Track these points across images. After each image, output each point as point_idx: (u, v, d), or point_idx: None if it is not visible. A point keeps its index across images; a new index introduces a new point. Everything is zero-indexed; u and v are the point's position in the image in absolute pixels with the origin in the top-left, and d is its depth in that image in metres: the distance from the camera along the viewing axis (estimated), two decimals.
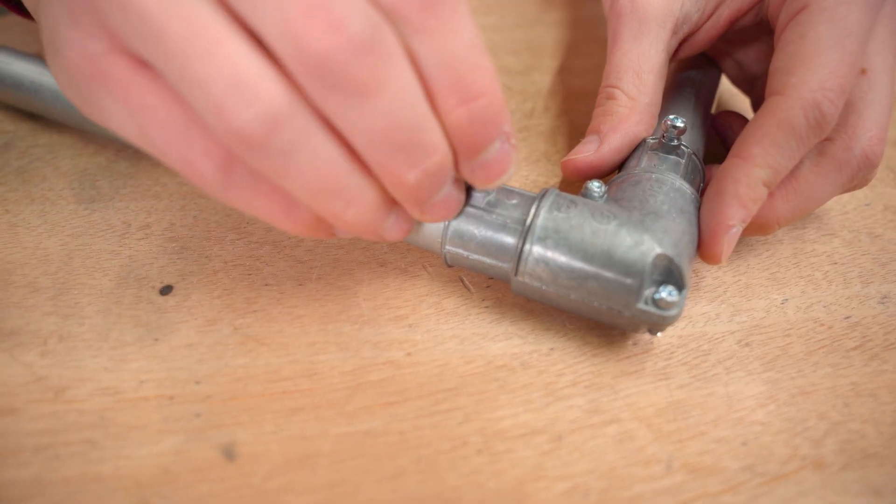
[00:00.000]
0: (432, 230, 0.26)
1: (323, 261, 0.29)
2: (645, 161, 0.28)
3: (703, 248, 0.26)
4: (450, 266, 0.27)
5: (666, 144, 0.28)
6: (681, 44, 0.32)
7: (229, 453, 0.23)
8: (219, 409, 0.24)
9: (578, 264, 0.24)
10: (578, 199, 0.26)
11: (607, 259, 0.24)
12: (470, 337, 0.26)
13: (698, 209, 0.27)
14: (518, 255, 0.25)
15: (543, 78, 0.40)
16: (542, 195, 0.25)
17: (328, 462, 0.22)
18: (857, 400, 0.25)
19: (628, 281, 0.24)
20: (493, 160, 0.22)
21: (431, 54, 0.19)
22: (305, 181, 0.20)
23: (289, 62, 0.18)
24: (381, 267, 0.29)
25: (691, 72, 0.35)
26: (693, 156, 0.29)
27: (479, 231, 0.25)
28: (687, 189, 0.27)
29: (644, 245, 0.24)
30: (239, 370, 0.25)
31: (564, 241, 0.24)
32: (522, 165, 0.34)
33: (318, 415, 0.24)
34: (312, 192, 0.21)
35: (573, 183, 0.32)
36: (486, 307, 0.27)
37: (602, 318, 0.25)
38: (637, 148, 0.30)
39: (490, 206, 0.25)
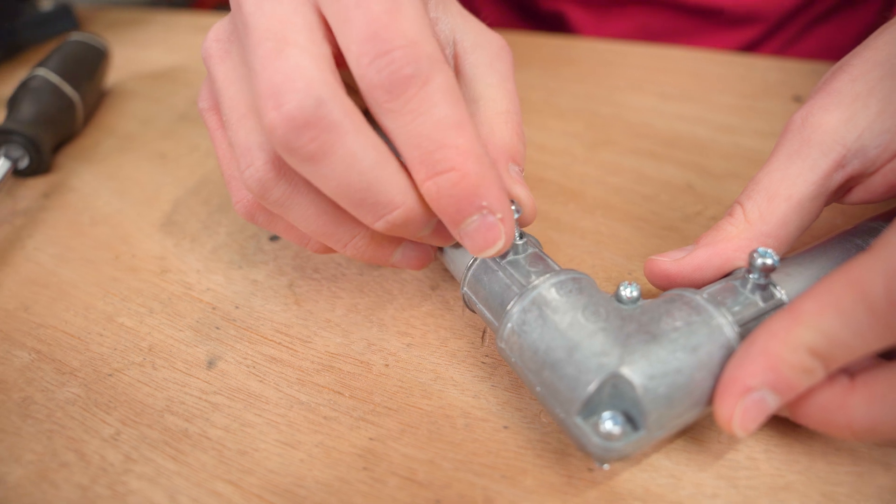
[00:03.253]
0: (460, 271, 0.27)
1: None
2: (718, 287, 0.24)
3: (714, 404, 0.21)
4: (469, 309, 0.27)
5: (750, 280, 0.24)
6: (854, 184, 0.26)
7: (211, 363, 0.27)
8: (231, 331, 0.29)
9: (542, 348, 0.22)
10: (593, 291, 0.23)
11: (568, 355, 0.21)
12: (446, 379, 0.26)
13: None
14: (503, 319, 0.24)
15: (737, 187, 0.35)
16: (558, 272, 0.24)
17: (259, 407, 0.25)
18: None
19: (576, 387, 0.21)
20: (474, 232, 0.23)
21: (399, 132, 0.22)
22: (304, 226, 0.26)
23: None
24: (430, 289, 0.30)
25: (882, 223, 0.27)
26: None
27: (489, 283, 0.25)
28: (726, 332, 0.22)
29: (608, 358, 0.21)
30: (267, 313, 0.30)
31: (541, 321, 0.23)
32: (635, 260, 0.31)
33: (285, 371, 0.27)
34: (312, 233, 0.26)
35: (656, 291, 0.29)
36: (483, 363, 0.27)
37: (552, 417, 0.23)
38: (730, 274, 0.25)
39: (510, 265, 0.25)
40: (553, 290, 0.23)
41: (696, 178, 0.36)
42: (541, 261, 0.25)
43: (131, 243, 0.34)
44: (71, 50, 0.43)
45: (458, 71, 0.28)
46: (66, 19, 0.54)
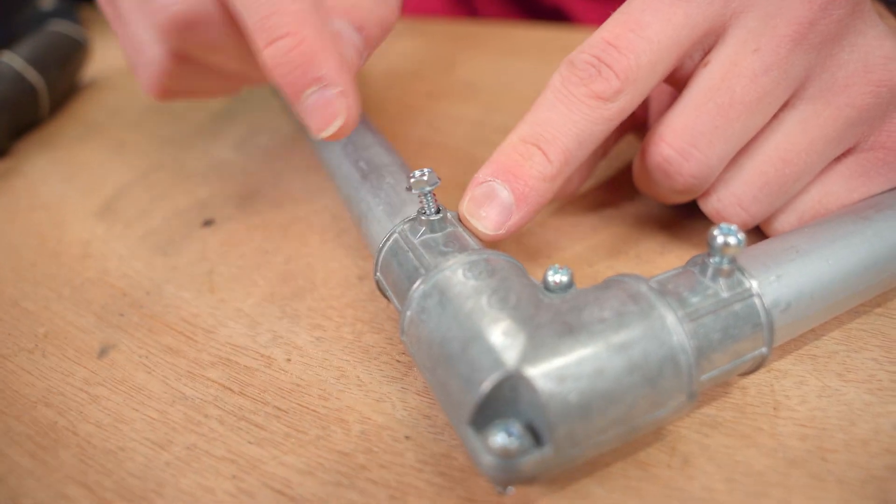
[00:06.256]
0: (375, 249, 0.23)
1: (322, 253, 0.28)
2: (671, 274, 0.20)
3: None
4: (386, 298, 0.23)
5: (710, 265, 0.19)
6: None
7: (103, 352, 0.25)
8: (135, 319, 0.26)
9: (438, 340, 0.18)
10: (509, 275, 0.19)
11: (462, 349, 0.17)
12: (351, 378, 0.22)
13: (679, 371, 0.17)
14: (404, 305, 0.20)
15: None
16: (472, 252, 0.20)
17: (140, 401, 0.22)
18: None
19: (468, 389, 0.17)
20: (312, 107, 0.21)
21: None
22: (216, 85, 0.28)
23: None
24: (357, 279, 0.27)
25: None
26: (769, 312, 0.19)
27: (398, 265, 0.22)
28: (670, 326, 0.17)
29: (507, 354, 0.17)
30: (176, 300, 0.27)
31: (440, 308, 0.19)
32: (600, 251, 0.27)
33: (178, 364, 0.24)
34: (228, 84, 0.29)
35: None
36: (398, 361, 0.23)
37: (454, 427, 0.19)
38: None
39: (423, 245, 0.21)
40: (460, 272, 0.19)
41: None
42: (460, 240, 0.21)
43: (62, 228, 0.32)
44: (44, 38, 0.42)
45: None
46: (66, 17, 0.54)
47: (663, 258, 0.26)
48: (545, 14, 0.54)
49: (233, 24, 0.23)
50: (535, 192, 0.23)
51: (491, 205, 0.22)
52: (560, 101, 0.23)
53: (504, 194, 0.23)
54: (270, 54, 0.20)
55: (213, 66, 0.25)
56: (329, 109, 0.21)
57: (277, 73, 0.21)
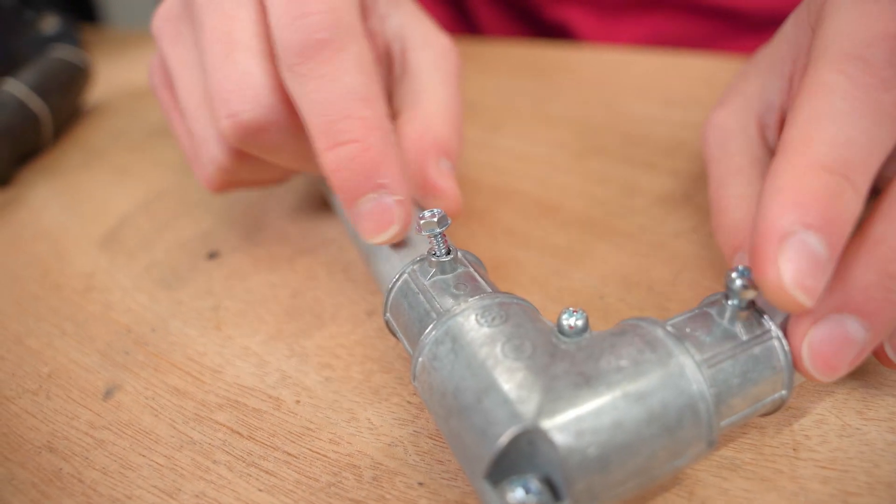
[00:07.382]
0: (385, 289, 0.23)
1: (329, 286, 0.28)
2: (687, 316, 0.19)
3: (756, 271, 0.17)
4: (396, 339, 0.23)
5: (728, 307, 0.19)
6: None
7: (109, 393, 0.24)
8: (139, 357, 0.26)
9: (451, 389, 0.18)
10: (524, 321, 0.19)
11: (476, 400, 0.17)
12: (361, 420, 0.22)
13: (698, 420, 0.17)
14: (415, 351, 0.20)
15: None
16: (485, 296, 0.20)
17: (147, 445, 0.22)
18: None
19: (483, 442, 0.17)
20: (368, 213, 0.21)
21: (306, 98, 0.21)
22: (274, 173, 0.29)
23: None
24: (365, 315, 0.26)
25: None
26: (788, 354, 0.18)
27: (409, 308, 0.21)
28: (689, 374, 0.17)
29: (522, 407, 0.16)
30: (183, 337, 0.26)
31: (453, 356, 0.18)
32: (610, 281, 0.26)
33: (185, 406, 0.23)
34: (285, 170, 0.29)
35: None
36: (409, 403, 0.23)
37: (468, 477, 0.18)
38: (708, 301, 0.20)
39: (434, 287, 0.21)
40: (473, 318, 0.19)
41: (696, 190, 0.31)
42: (471, 282, 0.21)
43: (64, 259, 0.32)
44: (46, 65, 0.42)
45: (404, 66, 0.27)
46: (68, 40, 0.54)
47: (674, 288, 0.26)
48: (549, 30, 0.53)
49: (298, 127, 0.23)
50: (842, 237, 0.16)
51: (809, 264, 0.16)
52: (860, 111, 0.17)
53: (818, 246, 0.16)
54: (333, 158, 0.21)
55: (272, 163, 0.26)
56: (386, 216, 0.21)
57: (338, 176, 0.21)
